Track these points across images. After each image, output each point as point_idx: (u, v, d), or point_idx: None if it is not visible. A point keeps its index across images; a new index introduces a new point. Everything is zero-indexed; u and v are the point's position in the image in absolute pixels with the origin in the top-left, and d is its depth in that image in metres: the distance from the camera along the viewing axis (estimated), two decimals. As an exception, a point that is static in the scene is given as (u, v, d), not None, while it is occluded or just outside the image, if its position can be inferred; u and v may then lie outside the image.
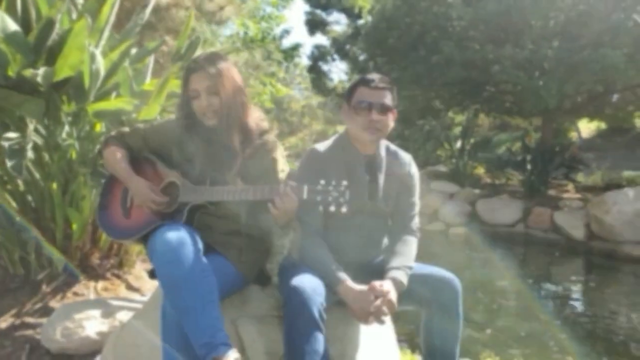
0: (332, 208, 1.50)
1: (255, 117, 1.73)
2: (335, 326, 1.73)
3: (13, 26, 2.54)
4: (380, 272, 1.73)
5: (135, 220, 1.65)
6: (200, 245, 1.51)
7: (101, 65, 2.61)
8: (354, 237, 1.80)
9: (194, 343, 1.35)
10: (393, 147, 1.90)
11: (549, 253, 6.95)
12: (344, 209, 1.50)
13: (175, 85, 2.91)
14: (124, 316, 2.31)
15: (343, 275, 1.61)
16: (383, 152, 1.84)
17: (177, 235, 1.43)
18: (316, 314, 1.46)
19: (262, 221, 1.69)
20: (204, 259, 1.46)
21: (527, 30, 8.32)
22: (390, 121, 1.76)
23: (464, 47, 8.61)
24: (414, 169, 1.90)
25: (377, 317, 1.53)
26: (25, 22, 2.76)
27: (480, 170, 10.95)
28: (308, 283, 1.51)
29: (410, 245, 1.79)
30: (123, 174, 1.65)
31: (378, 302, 1.53)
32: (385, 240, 1.92)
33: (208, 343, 1.32)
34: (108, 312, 2.36)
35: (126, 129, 1.77)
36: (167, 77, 2.53)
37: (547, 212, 7.71)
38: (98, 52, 2.59)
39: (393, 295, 1.57)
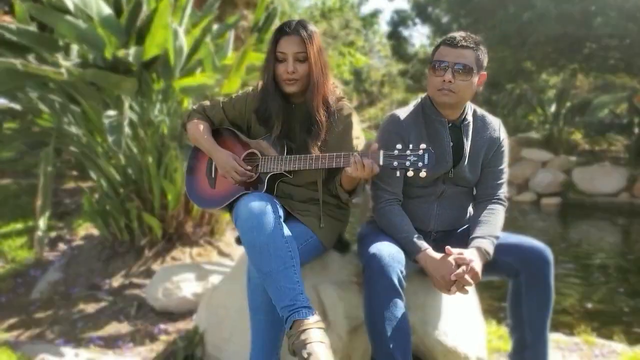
0: (410, 173, 1.45)
1: (331, 85, 1.72)
2: (416, 293, 1.72)
3: (107, 10, 2.72)
4: (464, 242, 1.66)
5: (221, 190, 1.73)
6: (281, 212, 1.55)
7: (184, 42, 2.73)
8: (436, 205, 1.75)
9: (276, 305, 1.40)
10: (480, 110, 1.80)
11: (658, 225, 6.30)
12: (422, 174, 1.44)
13: (253, 57, 2.97)
14: (215, 279, 2.47)
15: (423, 244, 1.57)
16: (470, 117, 1.74)
17: (259, 204, 1.47)
18: (395, 281, 1.45)
19: (333, 186, 1.69)
20: (285, 226, 1.50)
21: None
22: (471, 84, 1.63)
23: (561, 0, 7.85)
24: (503, 134, 1.78)
25: (460, 286, 1.48)
26: (116, 5, 2.95)
27: (577, 136, 10.09)
28: (386, 250, 1.50)
29: (497, 214, 1.70)
30: (206, 145, 1.72)
31: (460, 270, 1.48)
32: (470, 210, 1.84)
33: (290, 306, 1.37)
34: (201, 275, 2.54)
35: (207, 102, 1.84)
36: (244, 50, 2.58)
37: (657, 179, 6.96)
38: (180, 30, 2.71)
39: (477, 265, 1.51)
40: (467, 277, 1.47)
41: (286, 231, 1.49)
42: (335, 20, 13.87)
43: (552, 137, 9.53)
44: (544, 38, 8.16)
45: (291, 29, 1.60)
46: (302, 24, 1.61)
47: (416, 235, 1.59)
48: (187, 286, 2.43)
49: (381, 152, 1.48)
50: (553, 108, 10.08)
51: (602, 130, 9.13)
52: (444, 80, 1.61)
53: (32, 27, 2.81)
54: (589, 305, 3.27)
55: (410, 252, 1.57)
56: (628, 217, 6.70)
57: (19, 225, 3.99)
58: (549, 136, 9.62)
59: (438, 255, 1.53)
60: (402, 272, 1.48)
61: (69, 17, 2.66)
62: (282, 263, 1.42)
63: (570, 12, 7.68)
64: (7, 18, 4.08)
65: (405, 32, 13.90)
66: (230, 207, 1.68)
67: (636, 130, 8.26)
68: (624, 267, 4.47)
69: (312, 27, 1.63)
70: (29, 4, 2.73)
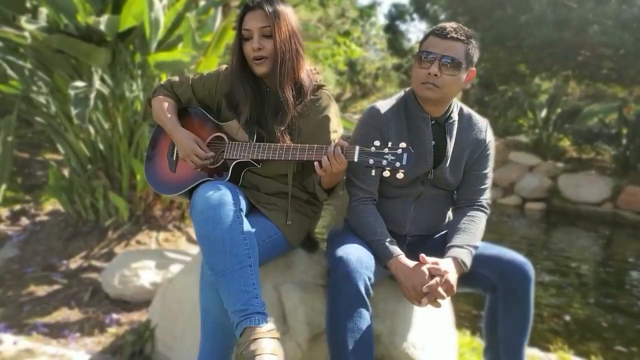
0: (387, 173, 1.33)
1: (309, 71, 1.57)
2: (385, 300, 1.60)
3: (80, -27, 2.52)
4: (440, 249, 1.55)
5: (181, 175, 1.58)
6: (244, 205, 1.41)
7: (161, 14, 2.55)
8: (413, 207, 1.62)
9: (227, 309, 1.27)
10: (467, 109, 1.67)
11: (640, 237, 6.29)
12: (399, 175, 1.32)
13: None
14: (177, 269, 2.32)
15: (396, 249, 1.44)
16: (455, 115, 1.61)
17: (218, 194, 1.33)
18: (362, 289, 1.33)
19: (310, 183, 1.56)
20: (246, 220, 1.36)
21: (637, -15, 7.31)
22: (458, 80, 1.49)
23: (559, 5, 7.76)
24: (490, 136, 1.65)
25: (432, 299, 1.36)
26: (94, -30, 2.75)
27: (566, 143, 10.06)
28: (355, 254, 1.37)
29: (478, 222, 1.57)
30: (168, 124, 1.57)
31: (434, 281, 1.36)
32: (450, 215, 1.72)
33: (242, 310, 1.23)
34: (163, 263, 2.39)
35: (176, 79, 1.69)
36: (223, 26, 2.42)
37: (641, 192, 6.94)
38: (157, 1, 2.52)
39: (452, 277, 1.39)
40: (440, 289, 1.35)
41: (246, 226, 1.35)
42: (331, 8, 13.63)
43: (540, 142, 9.49)
44: (540, 42, 8.07)
45: (255, 3, 1.47)
46: None
47: (389, 239, 1.47)
48: (146, 274, 2.28)
49: (357, 148, 1.35)
50: (544, 113, 10.03)
51: (590, 139, 9.09)
52: (429, 73, 1.47)
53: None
54: (567, 318, 3.19)
55: (382, 258, 1.44)
56: (610, 227, 6.68)
57: (-21, 196, 3.78)
58: (537, 141, 9.58)
59: (411, 264, 1.41)
60: (370, 280, 1.35)
61: (37, -23, 2.46)
62: (237, 262, 1.28)
63: (567, 18, 7.60)
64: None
65: (403, 27, 13.79)
66: (190, 195, 1.54)
67: (624, 141, 8.23)
68: (604, 279, 4.42)
69: (280, 2, 1.49)
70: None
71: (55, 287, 2.44)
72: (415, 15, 13.29)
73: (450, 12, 10.44)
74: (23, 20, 2.29)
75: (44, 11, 2.79)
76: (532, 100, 10.60)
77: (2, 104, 2.96)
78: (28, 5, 2.68)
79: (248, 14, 1.49)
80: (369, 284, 1.35)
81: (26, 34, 2.35)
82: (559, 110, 10.03)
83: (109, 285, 2.29)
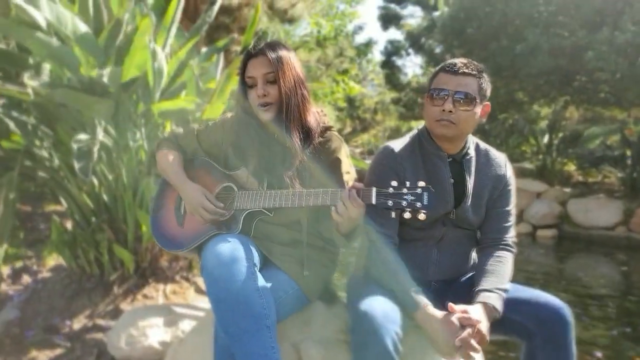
0: (407, 215, 1.26)
1: (316, 113, 1.53)
2: (413, 351, 1.48)
3: (84, 28, 2.54)
4: (466, 293, 1.45)
5: (189, 229, 1.51)
6: (257, 259, 1.33)
7: (164, 63, 2.54)
8: (436, 250, 1.54)
9: (245, 375, 1.17)
10: (484, 144, 1.61)
11: (658, 261, 6.12)
12: (421, 216, 1.26)
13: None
14: (186, 325, 2.21)
15: (422, 299, 1.35)
16: (472, 151, 1.55)
17: (230, 249, 1.25)
18: (390, 346, 1.22)
19: (325, 230, 1.48)
20: (260, 276, 1.28)
21: (627, 10, 7.42)
22: (473, 115, 1.45)
23: (552, 34, 7.87)
24: (510, 171, 1.59)
25: (465, 353, 1.25)
26: (97, 23, 2.76)
27: (571, 167, 10.00)
28: (380, 308, 1.28)
29: (505, 263, 1.49)
30: (174, 178, 1.51)
31: (465, 333, 1.26)
32: (474, 256, 1.63)
33: (261, 377, 1.14)
34: (172, 319, 2.27)
35: (180, 130, 1.64)
36: (228, 73, 2.40)
37: (654, 214, 6.83)
38: (160, 50, 2.52)
39: (484, 326, 1.29)
40: (473, 342, 1.25)
41: (261, 282, 1.27)
42: (330, 49, 13.91)
43: (545, 168, 9.45)
44: (536, 70, 8.14)
45: (257, 50, 1.44)
46: (269, 45, 1.46)
47: (414, 288, 1.37)
48: (154, 333, 2.16)
49: (374, 190, 1.28)
50: (546, 139, 10.04)
51: (595, 162, 9.04)
52: (444, 110, 1.42)
53: (1, 44, 2.61)
54: (599, 354, 3.02)
55: (408, 308, 1.34)
56: (626, 252, 6.52)
57: (-18, 255, 3.69)
58: (542, 167, 9.55)
59: (439, 314, 1.31)
60: (397, 335, 1.25)
61: (40, 35, 2.46)
62: (254, 323, 1.19)
63: (562, 46, 7.68)
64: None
65: (399, 62, 13.95)
66: (199, 250, 1.45)
67: (629, 162, 8.18)
68: (627, 308, 4.24)
69: (282, 47, 1.47)
70: (-4, 18, 2.54)
71: (58, 351, 2.32)
72: (410, 50, 13.49)
73: (446, 46, 10.61)
74: (26, 77, 2.27)
75: (47, 67, 2.79)
76: (532, 126, 10.63)
77: (3, 160, 2.91)
78: (31, 61, 2.68)
79: (251, 61, 1.45)
80: (397, 339, 1.25)
81: (29, 90, 2.33)
82: (560, 134, 10.05)
83: (115, 346, 2.17)
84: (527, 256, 6.42)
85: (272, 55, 1.42)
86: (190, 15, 6.05)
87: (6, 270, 3.39)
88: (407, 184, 1.28)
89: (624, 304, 4.39)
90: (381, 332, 1.22)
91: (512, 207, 1.60)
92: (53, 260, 3.69)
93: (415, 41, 12.43)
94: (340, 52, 14.48)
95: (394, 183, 1.29)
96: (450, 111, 1.43)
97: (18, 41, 2.69)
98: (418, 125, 1.67)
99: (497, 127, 11.15)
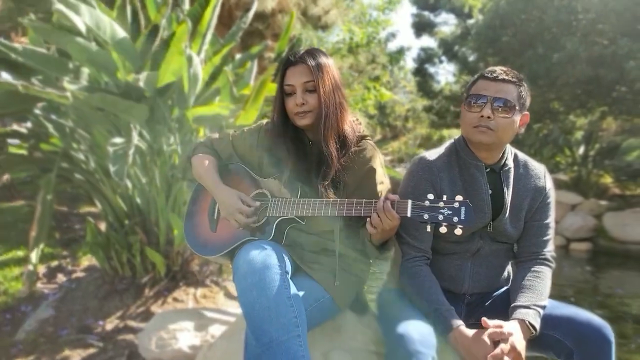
0: (443, 229, 1.23)
1: (352, 121, 1.51)
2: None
3: (121, 33, 2.60)
4: (500, 307, 1.40)
5: (222, 235, 1.51)
6: (289, 266, 1.32)
7: (199, 69, 2.57)
8: (471, 263, 1.49)
9: (276, 386, 1.15)
10: (523, 155, 1.56)
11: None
12: (458, 231, 1.22)
13: (273, 88, 2.80)
14: (216, 330, 2.22)
15: (455, 321, 1.31)
16: (510, 162, 1.50)
17: (262, 255, 1.25)
18: (427, 370, 1.18)
19: (359, 239, 1.46)
20: (292, 284, 1.26)
21: (673, 18, 7.15)
22: (512, 123, 1.40)
23: (591, 43, 7.64)
24: (550, 183, 1.53)
25: (499, 370, 1.21)
26: (134, 29, 2.83)
27: (607, 180, 9.66)
28: (416, 332, 1.23)
29: (543, 278, 1.43)
30: (209, 182, 1.52)
31: (499, 350, 1.21)
32: (509, 269, 1.57)
33: (292, 388, 1.12)
34: (201, 324, 2.29)
35: (215, 135, 1.65)
36: (263, 80, 2.41)
37: (696, 230, 6.52)
38: (195, 55, 2.56)
39: (519, 342, 1.24)
40: (507, 359, 1.20)
41: (293, 289, 1.25)
42: (362, 55, 13.88)
43: (580, 180, 9.17)
44: (574, 80, 7.92)
45: (297, 58, 1.42)
46: (309, 52, 1.44)
47: (447, 309, 1.33)
48: (184, 336, 2.17)
49: (409, 202, 1.25)
50: (581, 150, 9.74)
51: (633, 175, 8.72)
52: (482, 116, 1.38)
53: (41, 49, 2.70)
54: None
55: (441, 330, 1.31)
56: (666, 269, 6.24)
57: (20, 253, 3.82)
58: (577, 178, 9.27)
59: (471, 333, 1.27)
60: (434, 359, 1.21)
61: (79, 39, 2.54)
62: (285, 332, 1.17)
63: (601, 55, 7.45)
64: (24, 39, 4.04)
65: (432, 69, 13.78)
66: (231, 256, 1.45)
67: (670, 176, 7.85)
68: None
69: (322, 55, 1.45)
70: (38, 25, 2.62)
71: (90, 351, 2.37)
72: (443, 58, 13.33)
73: (480, 53, 10.44)
74: (65, 81, 2.34)
75: (85, 71, 2.88)
76: (567, 136, 10.34)
77: (42, 162, 3.01)
78: (71, 66, 2.76)
79: (290, 69, 1.44)
80: (433, 364, 1.21)
81: (68, 94, 2.40)
82: (597, 146, 9.73)
83: (146, 348, 2.20)
84: (558, 269, 6.22)
85: (312, 62, 1.41)
86: (224, 22, 6.14)
87: (42, 269, 3.49)
88: (444, 197, 1.25)
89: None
90: (418, 357, 1.18)
91: (552, 220, 1.54)
92: (87, 260, 3.78)
93: (448, 49, 12.28)
94: (372, 59, 14.44)
95: (430, 196, 1.26)
96: (489, 117, 1.38)
97: (58, 46, 2.77)
98: (450, 133, 1.63)
99: (531, 137, 10.89)
